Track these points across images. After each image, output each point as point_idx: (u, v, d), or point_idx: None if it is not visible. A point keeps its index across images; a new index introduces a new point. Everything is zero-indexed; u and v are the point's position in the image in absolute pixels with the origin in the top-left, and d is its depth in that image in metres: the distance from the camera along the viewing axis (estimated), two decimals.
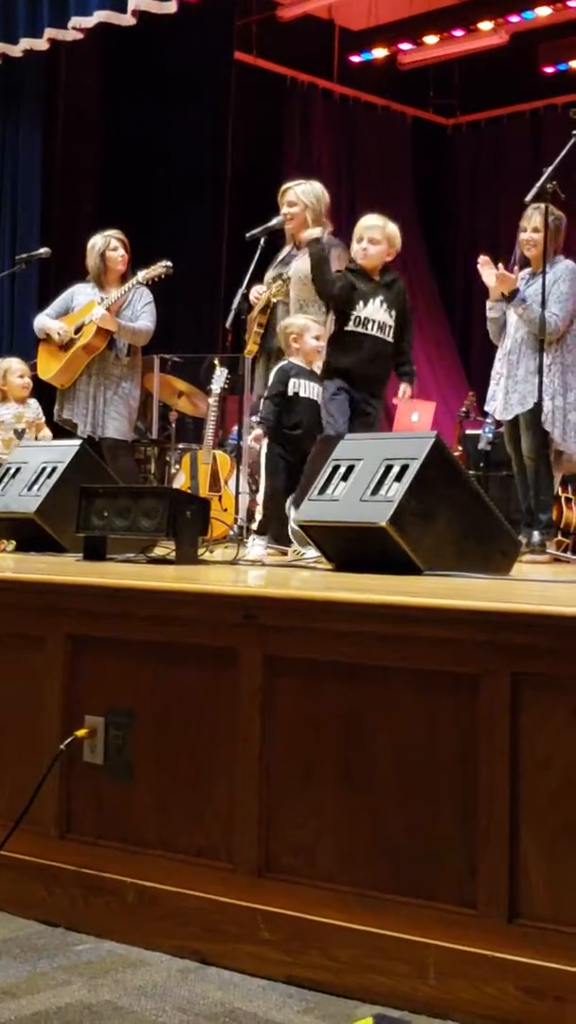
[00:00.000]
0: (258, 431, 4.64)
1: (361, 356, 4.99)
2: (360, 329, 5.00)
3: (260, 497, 4.72)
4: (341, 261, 5.33)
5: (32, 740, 2.78)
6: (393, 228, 5.12)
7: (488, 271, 5.51)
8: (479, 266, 5.54)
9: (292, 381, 4.75)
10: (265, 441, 4.76)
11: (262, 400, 4.77)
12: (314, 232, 5.19)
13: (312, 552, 4.49)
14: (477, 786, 2.23)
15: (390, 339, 5.06)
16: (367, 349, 4.99)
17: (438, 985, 2.22)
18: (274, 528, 4.98)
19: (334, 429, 4.81)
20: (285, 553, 4.64)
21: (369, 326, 5.00)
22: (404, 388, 5.25)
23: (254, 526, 4.88)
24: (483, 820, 2.22)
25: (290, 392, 4.74)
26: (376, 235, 5.05)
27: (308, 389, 4.80)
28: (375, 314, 5.02)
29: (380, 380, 5.09)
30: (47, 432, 6.30)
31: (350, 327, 5.00)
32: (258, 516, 4.58)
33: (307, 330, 4.82)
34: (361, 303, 5.02)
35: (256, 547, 4.23)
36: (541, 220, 5.31)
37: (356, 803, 2.36)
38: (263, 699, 2.47)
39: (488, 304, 5.58)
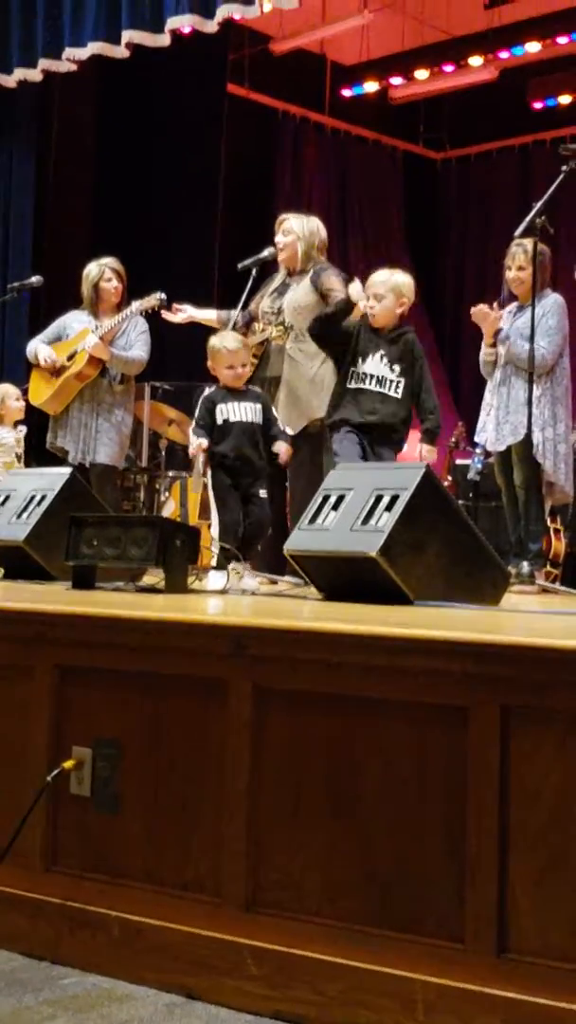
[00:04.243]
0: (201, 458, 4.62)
1: (360, 409, 5.00)
2: (357, 385, 5.00)
3: (214, 529, 4.66)
4: (341, 277, 5.35)
5: (18, 771, 2.75)
6: (401, 279, 5.09)
7: (484, 319, 5.51)
8: (473, 316, 5.54)
9: (219, 408, 4.69)
10: (210, 472, 4.73)
11: (191, 430, 4.78)
12: (355, 293, 5.06)
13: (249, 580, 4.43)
14: (466, 819, 2.21)
15: (392, 393, 5.02)
16: (364, 403, 4.99)
17: (426, 1021, 2.19)
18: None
19: (336, 462, 4.82)
20: (275, 582, 4.62)
21: (367, 381, 5.00)
22: (420, 449, 5.18)
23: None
24: (472, 853, 2.20)
25: (219, 421, 4.68)
26: (380, 290, 5.02)
27: (238, 412, 4.74)
28: (374, 369, 5.01)
29: (383, 431, 5.04)
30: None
31: (350, 384, 5.02)
32: (214, 548, 4.45)
33: (219, 359, 4.77)
34: (360, 359, 5.02)
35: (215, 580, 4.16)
36: (525, 258, 5.35)
37: (344, 836, 2.34)
38: (252, 731, 2.45)
39: (485, 351, 5.58)
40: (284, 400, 5.29)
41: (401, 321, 5.12)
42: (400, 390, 5.04)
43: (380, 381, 5.00)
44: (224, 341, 4.86)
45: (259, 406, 4.85)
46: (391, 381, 5.02)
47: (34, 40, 7.68)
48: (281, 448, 4.91)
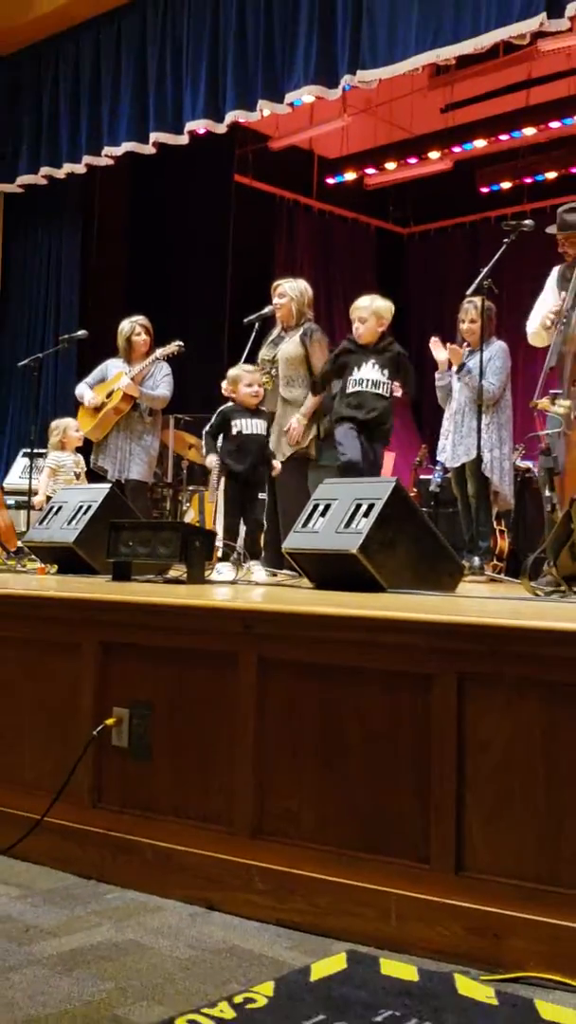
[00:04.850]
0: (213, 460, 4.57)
1: (363, 408, 5.02)
2: (358, 388, 5.03)
3: (219, 526, 4.62)
4: (322, 345, 5.37)
5: (70, 727, 2.76)
6: (380, 303, 5.13)
7: (438, 348, 5.57)
8: (431, 345, 5.59)
9: (233, 422, 4.64)
10: (223, 478, 4.68)
11: (204, 436, 4.76)
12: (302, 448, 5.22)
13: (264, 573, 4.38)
14: (430, 765, 2.22)
15: (384, 392, 5.06)
16: (364, 403, 5.02)
17: (399, 926, 2.20)
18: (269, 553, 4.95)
19: (343, 454, 4.85)
20: (275, 575, 4.62)
21: (364, 384, 5.03)
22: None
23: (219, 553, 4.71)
24: (435, 792, 2.21)
25: (233, 431, 4.62)
26: (363, 314, 5.08)
27: (250, 427, 4.70)
28: (368, 374, 5.04)
29: (379, 425, 5.06)
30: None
31: (350, 388, 5.04)
32: (219, 544, 4.43)
33: (240, 380, 4.74)
34: (356, 368, 5.05)
35: (225, 573, 4.12)
36: (476, 312, 5.39)
37: (332, 779, 2.35)
38: (257, 694, 2.46)
39: (437, 375, 5.64)
40: (277, 432, 5.31)
41: (382, 337, 5.14)
42: (389, 390, 5.07)
43: (375, 384, 5.04)
44: (243, 366, 4.93)
45: (265, 423, 4.87)
46: (383, 383, 5.05)
47: (79, 140, 7.71)
48: (276, 466, 4.92)
